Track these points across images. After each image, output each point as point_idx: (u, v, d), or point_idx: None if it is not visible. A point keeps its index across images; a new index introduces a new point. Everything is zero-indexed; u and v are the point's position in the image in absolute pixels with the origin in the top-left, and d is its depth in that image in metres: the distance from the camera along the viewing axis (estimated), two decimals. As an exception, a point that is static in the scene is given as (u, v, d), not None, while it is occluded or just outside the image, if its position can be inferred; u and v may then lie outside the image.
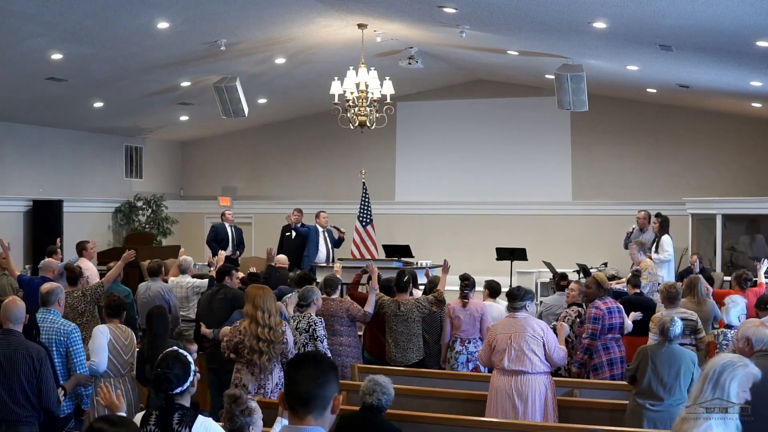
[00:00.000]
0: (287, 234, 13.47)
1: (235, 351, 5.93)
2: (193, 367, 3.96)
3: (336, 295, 7.83)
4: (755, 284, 8.50)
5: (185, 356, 3.98)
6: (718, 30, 7.73)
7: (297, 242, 13.30)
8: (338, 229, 12.53)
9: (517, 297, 6.04)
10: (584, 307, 7.48)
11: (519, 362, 5.83)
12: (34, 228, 13.15)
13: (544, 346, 5.86)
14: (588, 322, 7.02)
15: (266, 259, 9.97)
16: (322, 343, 6.77)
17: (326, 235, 12.35)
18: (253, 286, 6.20)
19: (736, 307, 6.62)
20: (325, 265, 11.91)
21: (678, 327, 5.59)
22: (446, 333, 7.78)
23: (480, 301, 7.95)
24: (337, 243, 12.51)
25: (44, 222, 13.13)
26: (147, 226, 15.22)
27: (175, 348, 4.10)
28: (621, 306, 7.22)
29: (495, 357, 5.98)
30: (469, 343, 7.57)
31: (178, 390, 3.86)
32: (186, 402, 3.90)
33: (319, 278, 9.22)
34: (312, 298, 6.96)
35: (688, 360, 5.53)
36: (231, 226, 12.62)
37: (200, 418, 3.82)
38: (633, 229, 11.22)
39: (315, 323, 6.80)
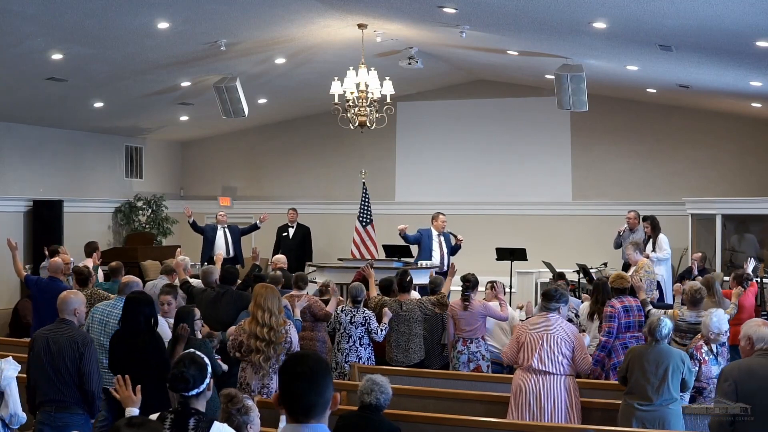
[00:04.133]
0: (284, 234, 13.46)
1: (240, 350, 5.99)
2: (209, 370, 3.93)
3: (304, 292, 7.98)
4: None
5: (202, 358, 3.95)
6: (718, 30, 7.73)
7: (296, 242, 13.29)
8: (455, 236, 11.24)
9: (552, 298, 6.07)
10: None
11: (548, 363, 5.85)
12: (34, 228, 13.14)
13: (573, 350, 5.88)
14: (604, 320, 7.05)
15: (252, 257, 9.96)
16: (377, 334, 7.35)
17: (443, 239, 11.19)
18: (260, 285, 6.22)
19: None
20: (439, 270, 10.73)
21: (665, 327, 5.59)
22: (450, 333, 7.80)
23: (481, 301, 7.94)
24: (454, 250, 11.23)
25: (44, 222, 13.12)
26: (147, 226, 15.22)
27: (192, 350, 4.08)
28: (641, 305, 7.20)
29: (523, 355, 5.97)
30: (471, 342, 7.58)
31: (194, 392, 3.84)
32: (201, 407, 3.87)
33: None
34: (363, 295, 7.61)
35: (677, 359, 5.52)
36: (224, 228, 12.47)
37: (216, 424, 3.79)
38: (624, 229, 11.27)
39: (369, 317, 7.44)
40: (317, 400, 2.81)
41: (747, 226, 12.37)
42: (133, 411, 4.25)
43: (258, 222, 12.65)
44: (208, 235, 12.42)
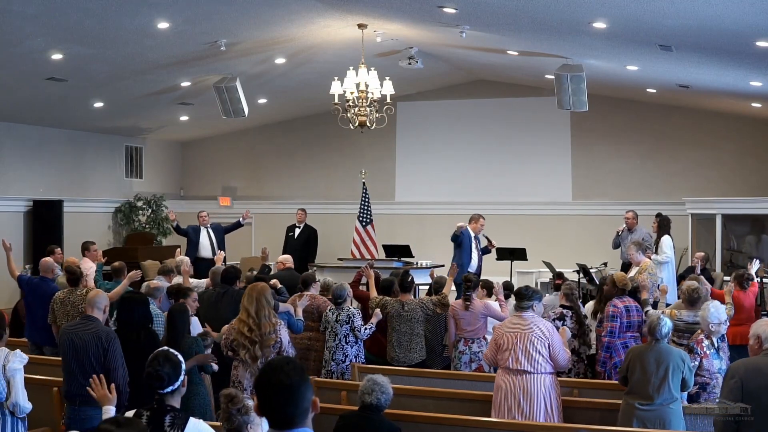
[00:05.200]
0: (290, 234, 13.45)
1: (233, 349, 6.01)
2: (183, 367, 3.98)
3: (311, 292, 7.93)
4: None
5: (176, 356, 4.01)
6: (718, 30, 7.73)
7: (300, 242, 13.27)
8: (489, 240, 11.22)
9: (524, 297, 6.08)
10: (573, 309, 7.50)
11: (524, 362, 5.86)
12: (34, 228, 13.15)
13: (549, 347, 5.88)
14: (606, 320, 7.07)
15: (261, 258, 9.96)
16: (360, 332, 7.40)
17: (477, 242, 11.08)
18: (250, 285, 6.24)
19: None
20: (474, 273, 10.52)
21: (666, 326, 5.58)
22: (451, 333, 7.80)
23: (483, 300, 7.94)
24: (484, 251, 11.20)
25: (44, 222, 13.13)
26: (147, 226, 15.22)
27: (167, 348, 4.11)
28: (642, 305, 7.24)
29: (500, 356, 6.00)
30: (473, 343, 7.57)
31: (169, 389, 3.88)
32: (176, 403, 3.92)
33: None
34: (345, 294, 7.63)
35: (677, 358, 5.51)
36: (207, 228, 12.42)
37: (192, 420, 3.83)
38: (623, 229, 11.27)
39: (353, 315, 7.48)
40: (295, 411, 2.79)
41: (763, 226, 12.33)
42: (110, 410, 4.28)
43: (241, 219, 12.63)
44: (191, 236, 12.40)
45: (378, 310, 7.64)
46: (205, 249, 12.22)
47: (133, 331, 5.63)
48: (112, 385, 4.39)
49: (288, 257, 10.03)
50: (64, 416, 5.46)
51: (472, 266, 10.83)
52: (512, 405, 5.85)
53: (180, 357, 4.02)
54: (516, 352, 5.87)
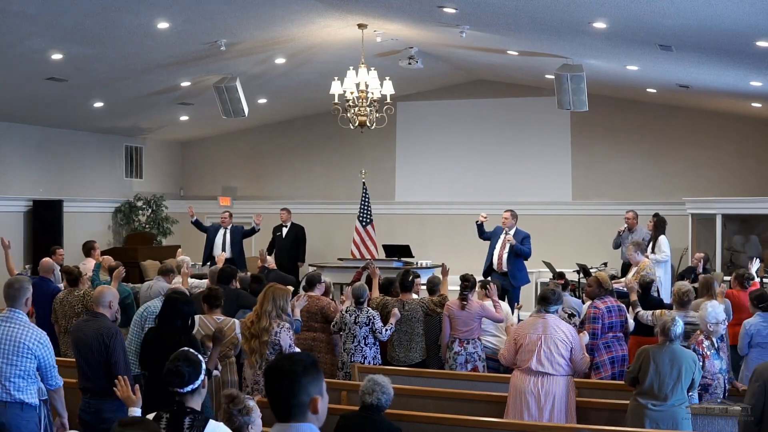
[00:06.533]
0: (278, 234, 13.43)
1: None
2: (203, 367, 3.95)
3: (316, 293, 7.89)
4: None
5: (196, 355, 3.97)
6: (718, 30, 7.73)
7: (288, 241, 13.24)
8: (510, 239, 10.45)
9: (551, 301, 6.08)
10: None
11: (547, 364, 5.85)
12: (34, 228, 13.15)
13: (571, 351, 5.89)
14: (588, 321, 7.07)
15: (259, 261, 9.96)
16: (381, 334, 7.35)
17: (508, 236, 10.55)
18: (269, 283, 6.37)
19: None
20: (497, 271, 10.53)
21: (679, 327, 5.58)
22: (446, 333, 7.77)
23: (479, 301, 7.93)
24: (518, 251, 10.48)
25: (44, 222, 13.13)
26: (147, 226, 15.22)
27: (186, 348, 4.09)
28: (622, 305, 7.25)
29: (521, 356, 5.98)
30: (468, 343, 7.55)
31: (189, 388, 3.85)
32: (197, 405, 3.88)
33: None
34: (366, 295, 7.58)
35: (689, 360, 5.53)
36: (225, 229, 12.39)
37: (211, 422, 3.79)
38: (623, 229, 11.29)
39: (373, 317, 7.40)
40: (292, 401, 2.80)
41: (750, 227, 12.36)
42: (135, 411, 4.26)
43: (255, 225, 12.60)
44: (210, 234, 12.45)
45: (396, 310, 7.63)
46: (217, 249, 12.22)
47: (174, 332, 5.55)
48: (136, 387, 4.36)
49: (269, 257, 10.08)
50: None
51: (493, 263, 10.59)
52: (532, 406, 5.83)
53: (200, 357, 3.99)
54: (540, 354, 5.86)
